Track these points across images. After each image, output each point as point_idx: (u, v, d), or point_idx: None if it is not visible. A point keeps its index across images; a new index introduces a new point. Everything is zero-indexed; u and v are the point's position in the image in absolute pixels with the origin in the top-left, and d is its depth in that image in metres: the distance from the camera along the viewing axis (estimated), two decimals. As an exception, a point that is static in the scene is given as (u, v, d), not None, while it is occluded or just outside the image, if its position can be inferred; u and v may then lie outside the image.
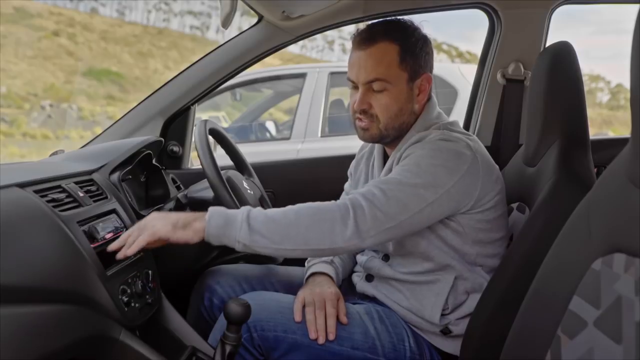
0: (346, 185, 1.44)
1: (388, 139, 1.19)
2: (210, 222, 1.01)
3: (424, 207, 1.04)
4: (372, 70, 1.13)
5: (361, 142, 1.44)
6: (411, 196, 1.03)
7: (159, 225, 1.00)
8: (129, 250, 0.99)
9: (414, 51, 1.15)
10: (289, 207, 1.03)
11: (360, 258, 1.30)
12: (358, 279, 1.29)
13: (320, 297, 1.13)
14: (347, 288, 1.34)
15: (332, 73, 3.87)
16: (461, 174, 1.06)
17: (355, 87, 1.17)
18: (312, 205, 1.03)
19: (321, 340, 1.09)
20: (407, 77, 1.15)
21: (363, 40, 1.14)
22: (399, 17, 1.19)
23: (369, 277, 1.26)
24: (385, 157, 1.28)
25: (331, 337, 1.09)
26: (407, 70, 1.14)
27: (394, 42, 1.13)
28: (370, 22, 1.19)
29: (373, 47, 1.13)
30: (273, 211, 1.02)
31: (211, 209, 1.03)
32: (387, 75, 1.13)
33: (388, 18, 1.21)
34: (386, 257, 1.23)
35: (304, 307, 1.13)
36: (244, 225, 1.00)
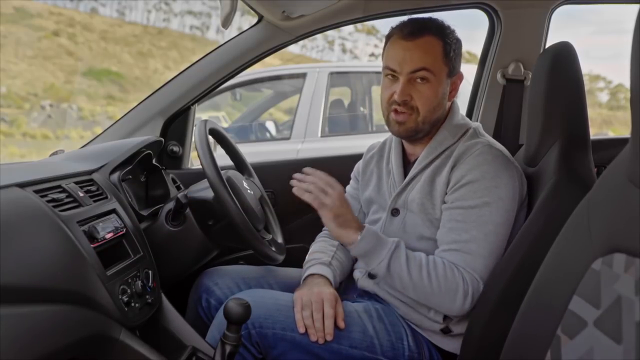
0: (349, 189, 1.43)
1: (421, 133, 1.20)
2: (359, 244, 1.12)
3: (508, 230, 1.12)
4: (419, 60, 1.15)
5: (366, 143, 1.44)
6: (499, 238, 1.11)
7: (329, 206, 1.11)
8: (305, 196, 1.13)
9: (454, 49, 1.19)
10: (425, 261, 1.11)
11: None
12: (360, 275, 1.28)
13: (318, 298, 1.13)
14: (346, 285, 1.34)
15: (332, 73, 3.87)
16: (518, 188, 1.14)
17: (394, 77, 1.18)
18: (444, 269, 1.09)
19: (320, 341, 1.09)
20: (448, 72, 1.18)
21: (410, 32, 1.17)
22: (437, 18, 1.22)
23: (372, 275, 1.26)
24: (403, 154, 1.29)
25: (329, 338, 1.09)
26: (449, 65, 1.18)
27: (439, 38, 1.17)
28: (413, 17, 1.21)
29: (420, 39, 1.16)
30: (412, 257, 1.12)
31: (366, 231, 1.12)
32: (433, 66, 1.16)
33: (429, 16, 1.22)
34: None
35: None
36: (385, 262, 1.10)
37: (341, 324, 1.12)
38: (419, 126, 1.18)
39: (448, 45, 1.17)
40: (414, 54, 1.15)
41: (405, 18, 1.22)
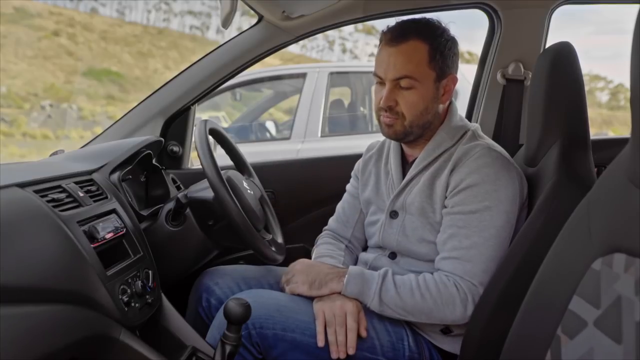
0: (349, 187, 1.43)
1: (411, 136, 1.20)
2: (347, 289, 1.12)
3: (509, 233, 1.11)
4: (402, 68, 1.13)
5: (366, 144, 1.44)
6: (501, 241, 1.10)
7: (299, 282, 1.17)
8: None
9: (443, 51, 1.15)
10: (415, 284, 1.10)
11: (365, 256, 1.30)
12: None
13: (341, 311, 1.10)
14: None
15: (332, 73, 3.88)
16: (518, 189, 1.12)
17: (382, 83, 1.17)
18: (436, 285, 1.09)
19: (342, 356, 1.08)
20: (435, 76, 1.15)
21: (394, 37, 1.14)
22: (428, 17, 1.19)
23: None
24: (402, 155, 1.28)
25: (351, 351, 1.08)
26: (436, 69, 1.15)
27: (425, 41, 1.14)
28: (400, 20, 1.19)
29: (404, 44, 1.14)
30: (401, 284, 1.11)
31: (349, 275, 1.13)
32: (416, 73, 1.13)
33: (417, 17, 1.20)
34: (393, 255, 1.23)
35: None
36: (376, 298, 1.10)
37: (363, 333, 1.10)
38: (406, 129, 1.17)
39: (435, 48, 1.14)
40: (397, 61, 1.13)
41: (399, 19, 1.20)
